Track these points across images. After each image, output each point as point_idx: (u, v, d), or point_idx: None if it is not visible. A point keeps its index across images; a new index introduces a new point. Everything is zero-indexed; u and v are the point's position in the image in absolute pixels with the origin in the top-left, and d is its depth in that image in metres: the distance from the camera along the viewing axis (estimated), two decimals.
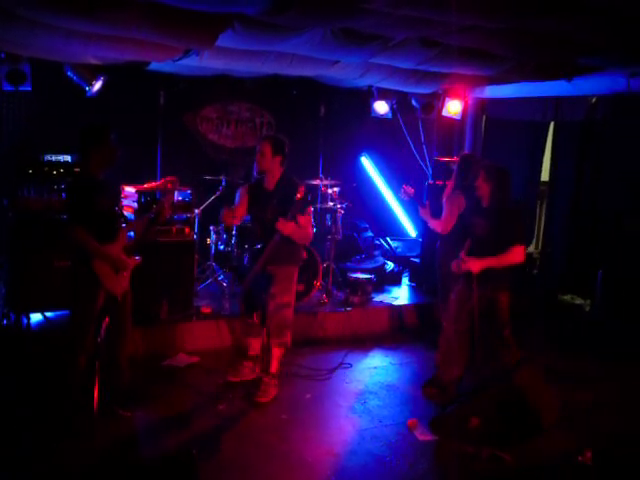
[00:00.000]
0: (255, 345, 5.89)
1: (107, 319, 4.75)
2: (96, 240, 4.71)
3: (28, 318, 6.35)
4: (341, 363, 6.55)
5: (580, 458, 4.17)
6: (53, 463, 4.29)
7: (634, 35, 5.21)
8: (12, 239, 6.31)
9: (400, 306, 7.97)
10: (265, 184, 5.64)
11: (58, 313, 6.44)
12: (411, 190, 6.77)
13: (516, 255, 5.35)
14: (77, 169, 6.55)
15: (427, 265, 7.76)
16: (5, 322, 6.34)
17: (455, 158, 8.84)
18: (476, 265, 5.36)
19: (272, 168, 5.57)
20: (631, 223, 7.39)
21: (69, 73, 7.30)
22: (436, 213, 6.82)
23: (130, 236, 5.22)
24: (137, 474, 3.71)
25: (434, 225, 6.70)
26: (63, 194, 4.92)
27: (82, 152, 4.93)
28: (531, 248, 9.58)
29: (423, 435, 5.04)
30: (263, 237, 5.54)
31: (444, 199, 6.79)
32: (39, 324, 6.40)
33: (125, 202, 6.79)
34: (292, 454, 4.70)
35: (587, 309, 7.67)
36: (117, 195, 5.30)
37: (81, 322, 4.76)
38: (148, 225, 5.25)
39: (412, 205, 7.21)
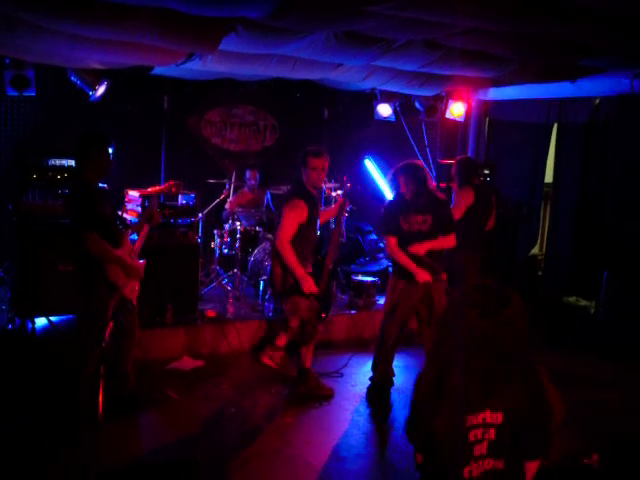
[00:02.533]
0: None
1: (111, 324, 4.76)
2: None
3: (33, 323, 6.36)
4: (345, 366, 6.55)
5: (586, 460, 4.16)
6: (57, 469, 4.29)
7: (637, 36, 5.21)
8: (17, 244, 6.32)
9: None
10: (313, 193, 5.67)
11: (63, 318, 6.45)
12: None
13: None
14: (74, 177, 6.58)
15: None
16: (10, 326, 6.35)
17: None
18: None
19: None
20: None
21: (73, 78, 7.33)
22: None
23: (133, 239, 5.22)
24: (142, 479, 3.71)
25: None
26: (65, 203, 4.91)
27: (79, 160, 4.94)
28: (535, 250, 9.58)
29: None
30: (315, 240, 5.70)
31: (454, 194, 6.90)
32: (44, 329, 6.41)
33: (129, 206, 6.81)
34: (297, 458, 4.69)
35: (592, 311, 7.65)
36: (117, 200, 5.31)
37: (95, 331, 4.74)
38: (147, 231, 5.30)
39: None
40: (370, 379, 5.92)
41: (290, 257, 5.32)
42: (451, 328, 2.63)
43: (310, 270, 5.52)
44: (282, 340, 6.24)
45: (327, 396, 5.75)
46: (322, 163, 5.54)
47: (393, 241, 5.60)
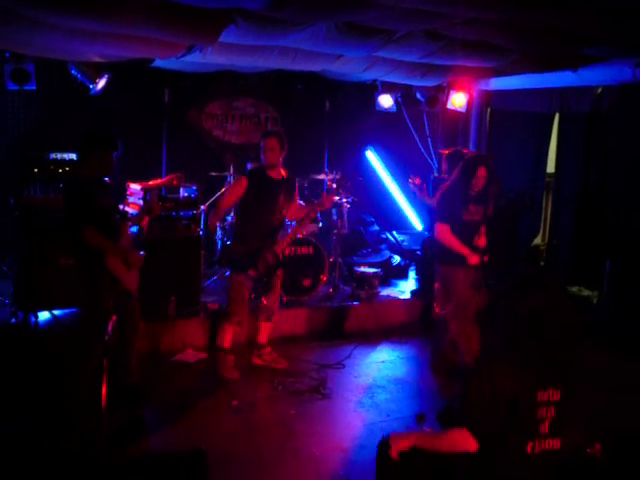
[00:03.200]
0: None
1: (114, 317, 4.76)
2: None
3: (36, 316, 6.37)
4: (348, 357, 6.56)
5: (589, 450, 4.16)
6: (60, 463, 4.30)
7: (639, 26, 5.19)
8: (19, 238, 6.32)
9: (406, 300, 7.96)
10: (270, 174, 5.89)
11: (66, 311, 6.46)
12: (418, 180, 6.95)
13: None
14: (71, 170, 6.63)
15: (429, 256, 7.76)
16: (14, 320, 6.36)
17: (463, 150, 8.85)
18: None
19: (278, 162, 5.90)
20: None
21: (73, 71, 7.31)
22: None
23: (133, 232, 5.23)
24: (147, 472, 3.71)
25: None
26: (62, 197, 4.92)
27: (81, 155, 4.94)
28: (538, 240, 9.56)
29: (431, 429, 5.03)
30: (270, 223, 5.90)
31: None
32: (47, 322, 6.42)
33: (130, 199, 6.81)
34: (301, 449, 4.71)
35: (594, 301, 7.64)
36: (115, 192, 5.32)
37: (98, 324, 4.74)
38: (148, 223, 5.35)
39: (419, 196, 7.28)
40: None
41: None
42: (512, 313, 2.85)
43: (255, 248, 5.79)
44: (264, 336, 6.30)
45: (231, 379, 5.86)
46: (269, 143, 5.82)
47: (447, 228, 5.79)
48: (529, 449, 2.82)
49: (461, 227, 5.78)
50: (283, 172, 5.99)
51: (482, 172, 5.68)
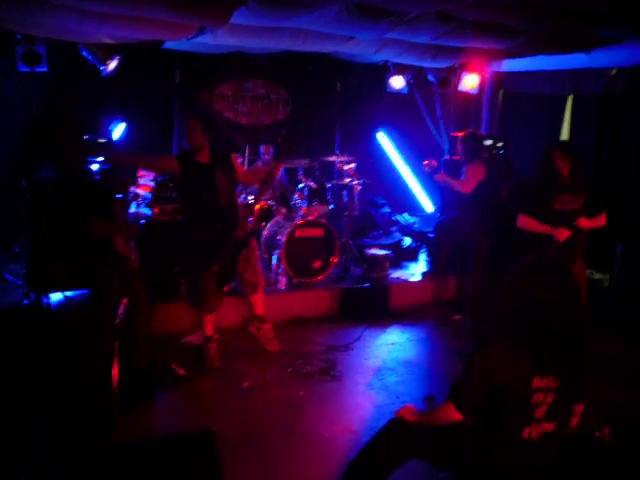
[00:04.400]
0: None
1: (125, 300, 4.80)
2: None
3: (48, 298, 6.41)
4: (358, 339, 6.58)
5: (598, 434, 4.17)
6: (72, 444, 4.35)
7: None
8: (31, 220, 6.35)
9: (417, 282, 7.97)
10: (198, 159, 5.83)
11: (77, 292, 6.50)
12: (434, 162, 7.05)
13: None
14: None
15: (441, 238, 7.78)
16: (26, 302, 6.40)
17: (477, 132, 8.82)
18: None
19: (203, 144, 5.81)
20: None
21: (84, 53, 7.30)
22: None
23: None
24: (157, 453, 3.76)
25: (457, 185, 7.07)
26: (58, 188, 5.00)
27: (57, 146, 4.97)
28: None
29: None
30: (217, 208, 5.78)
31: (464, 167, 6.95)
32: (59, 303, 6.45)
33: (141, 181, 6.83)
34: (310, 431, 4.75)
35: (606, 284, 7.62)
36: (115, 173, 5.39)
37: (109, 304, 4.81)
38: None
39: (433, 178, 7.32)
40: None
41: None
42: (519, 301, 2.87)
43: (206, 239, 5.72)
44: (258, 309, 6.34)
45: (213, 368, 5.81)
46: (191, 125, 5.78)
47: (528, 219, 5.84)
48: (526, 434, 2.85)
49: (553, 217, 5.78)
50: (207, 155, 5.86)
51: (558, 157, 5.75)
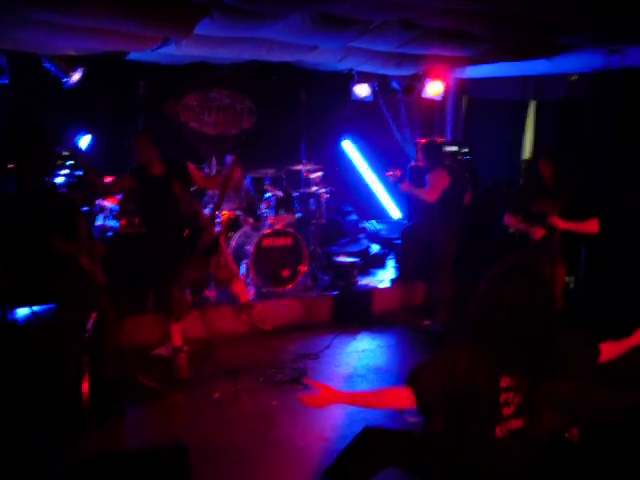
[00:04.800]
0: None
1: (94, 315, 4.76)
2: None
3: (15, 313, 6.32)
4: (328, 347, 6.59)
5: (567, 435, 4.22)
6: (43, 459, 4.30)
7: (610, 13, 5.24)
8: None
9: (386, 288, 8.00)
10: (153, 172, 5.84)
11: (44, 307, 6.41)
12: (398, 172, 7.08)
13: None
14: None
15: (408, 245, 7.83)
16: None
17: (438, 139, 8.90)
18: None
19: (154, 157, 5.83)
20: (621, 198, 7.43)
21: (47, 65, 7.22)
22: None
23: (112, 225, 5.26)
24: (128, 467, 3.72)
25: (422, 194, 7.08)
26: (19, 205, 4.94)
27: (16, 160, 4.89)
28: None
29: (412, 417, 5.07)
30: (178, 217, 5.80)
31: (427, 175, 7.00)
32: (26, 318, 6.37)
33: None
34: (283, 440, 4.74)
35: (572, 286, 7.72)
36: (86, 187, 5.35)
37: (76, 319, 4.76)
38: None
39: (398, 187, 7.37)
40: None
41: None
42: (490, 301, 2.87)
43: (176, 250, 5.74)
44: (243, 297, 6.46)
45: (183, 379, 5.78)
46: (140, 140, 5.85)
47: (510, 217, 6.21)
48: (498, 432, 2.87)
49: (531, 218, 5.97)
50: (160, 167, 5.88)
51: (542, 164, 5.97)
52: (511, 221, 6.20)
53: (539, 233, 5.85)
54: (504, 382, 2.85)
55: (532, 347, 2.82)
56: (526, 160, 8.24)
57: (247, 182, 8.59)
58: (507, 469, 2.96)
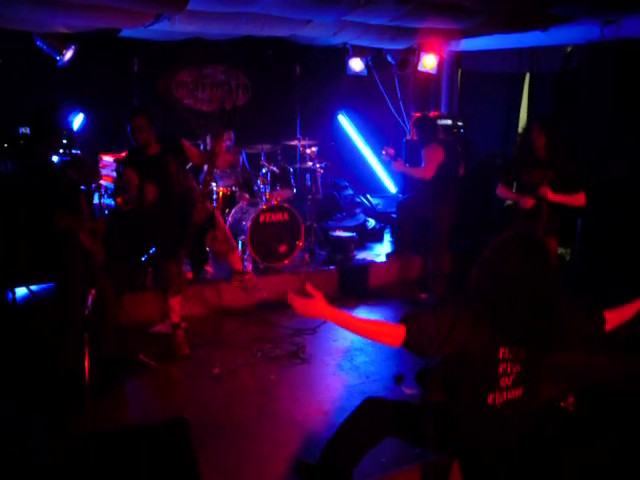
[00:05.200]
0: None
1: (93, 292, 4.78)
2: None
3: (13, 292, 6.34)
4: (325, 322, 6.61)
5: (562, 404, 4.28)
6: (46, 437, 4.34)
7: None
8: None
9: (382, 263, 8.04)
10: (150, 152, 5.77)
11: (43, 286, 6.44)
12: (392, 151, 7.07)
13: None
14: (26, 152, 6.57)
15: (403, 219, 7.84)
16: None
17: (432, 113, 8.89)
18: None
19: (151, 138, 5.72)
20: (612, 169, 7.44)
21: (39, 43, 7.19)
22: (414, 166, 7.13)
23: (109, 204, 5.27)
24: (130, 441, 3.76)
25: (417, 173, 7.09)
26: (27, 181, 4.94)
27: (39, 129, 4.91)
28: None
29: (409, 389, 5.14)
30: (174, 196, 5.82)
31: (423, 151, 6.97)
32: (25, 298, 6.40)
33: (104, 172, 6.79)
34: (282, 413, 4.78)
35: (567, 258, 7.75)
36: (86, 167, 5.34)
37: (76, 297, 4.79)
38: None
39: (391, 164, 7.36)
40: None
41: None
42: (493, 270, 2.89)
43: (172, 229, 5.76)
44: (238, 264, 6.51)
45: (183, 355, 5.80)
46: (136, 122, 5.60)
47: (502, 188, 6.22)
48: (490, 400, 2.90)
49: (522, 188, 6.05)
50: (156, 146, 5.81)
51: (535, 134, 5.91)
52: (503, 192, 6.20)
53: (529, 203, 5.87)
54: (502, 353, 2.88)
55: (533, 318, 2.84)
56: (521, 133, 8.22)
57: (243, 158, 8.59)
58: (504, 438, 3.01)
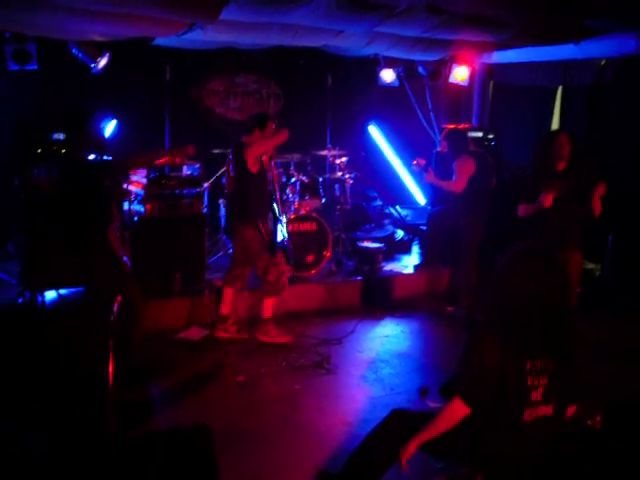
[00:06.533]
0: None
1: (120, 298, 4.82)
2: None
3: (43, 296, 6.43)
4: (352, 332, 6.61)
5: (590, 422, 4.21)
6: (69, 441, 4.37)
7: None
8: (24, 219, 6.37)
9: (410, 274, 8.00)
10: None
11: (72, 290, 6.52)
12: (423, 162, 7.05)
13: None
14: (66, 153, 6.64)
15: (434, 231, 7.79)
16: (21, 300, 6.42)
17: (463, 125, 8.85)
18: None
19: None
20: None
21: (74, 51, 7.30)
22: (444, 179, 7.07)
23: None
24: (153, 446, 3.78)
25: (449, 186, 7.05)
26: (65, 181, 5.03)
27: (68, 137, 5.01)
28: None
29: (434, 402, 5.09)
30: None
31: (455, 163, 6.93)
32: (54, 301, 6.48)
33: (134, 178, 6.84)
34: (306, 423, 4.78)
35: (597, 273, 7.67)
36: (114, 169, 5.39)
37: (103, 302, 4.83)
38: None
39: (422, 176, 7.34)
40: None
41: None
42: (501, 286, 2.95)
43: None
44: (268, 311, 6.33)
45: (286, 342, 6.18)
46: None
47: (523, 206, 5.79)
48: (526, 416, 2.89)
49: None
50: None
51: (563, 141, 5.60)
52: (523, 209, 5.80)
53: (549, 199, 5.51)
54: (529, 365, 2.87)
55: (546, 328, 2.84)
56: (541, 144, 8.11)
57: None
58: (531, 455, 2.98)
